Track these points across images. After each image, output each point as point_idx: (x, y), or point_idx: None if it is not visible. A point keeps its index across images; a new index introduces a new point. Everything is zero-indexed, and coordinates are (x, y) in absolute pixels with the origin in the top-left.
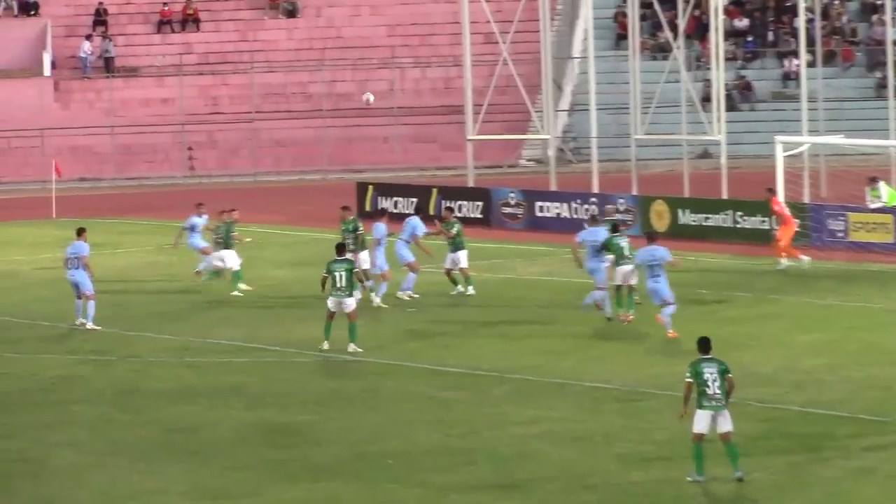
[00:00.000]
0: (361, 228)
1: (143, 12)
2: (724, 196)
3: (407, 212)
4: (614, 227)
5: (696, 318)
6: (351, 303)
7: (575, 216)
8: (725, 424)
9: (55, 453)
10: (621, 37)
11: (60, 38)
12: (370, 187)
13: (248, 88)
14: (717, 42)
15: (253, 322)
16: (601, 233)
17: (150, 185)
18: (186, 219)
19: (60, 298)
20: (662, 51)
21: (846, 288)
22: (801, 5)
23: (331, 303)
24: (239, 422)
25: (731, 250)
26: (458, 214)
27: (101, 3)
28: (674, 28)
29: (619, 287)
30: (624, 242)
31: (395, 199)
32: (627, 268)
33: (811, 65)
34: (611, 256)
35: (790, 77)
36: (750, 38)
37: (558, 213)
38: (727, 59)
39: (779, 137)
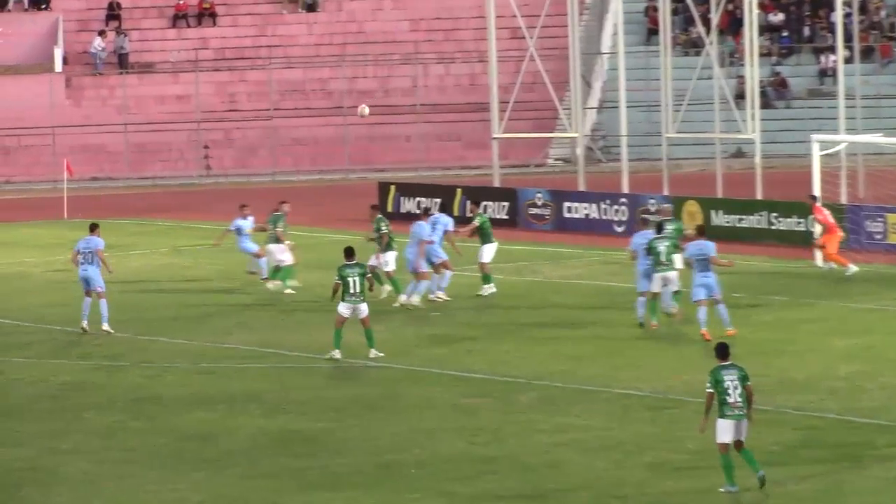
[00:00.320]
0: (384, 228)
1: (157, 6)
2: (759, 196)
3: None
4: (659, 228)
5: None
6: (365, 308)
7: (604, 217)
8: (743, 433)
9: (66, 462)
10: (652, 32)
11: (72, 32)
12: (392, 187)
13: (267, 85)
14: (751, 37)
15: (271, 326)
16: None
17: (165, 185)
18: (231, 221)
19: (72, 302)
20: (695, 46)
21: (885, 291)
22: None
23: (345, 309)
24: (256, 429)
25: (765, 252)
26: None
27: None
28: (706, 23)
29: (654, 294)
30: (663, 246)
31: (417, 199)
32: (667, 274)
33: (848, 61)
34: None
35: (827, 73)
36: (785, 34)
37: (587, 215)
38: (762, 55)
39: (815, 136)
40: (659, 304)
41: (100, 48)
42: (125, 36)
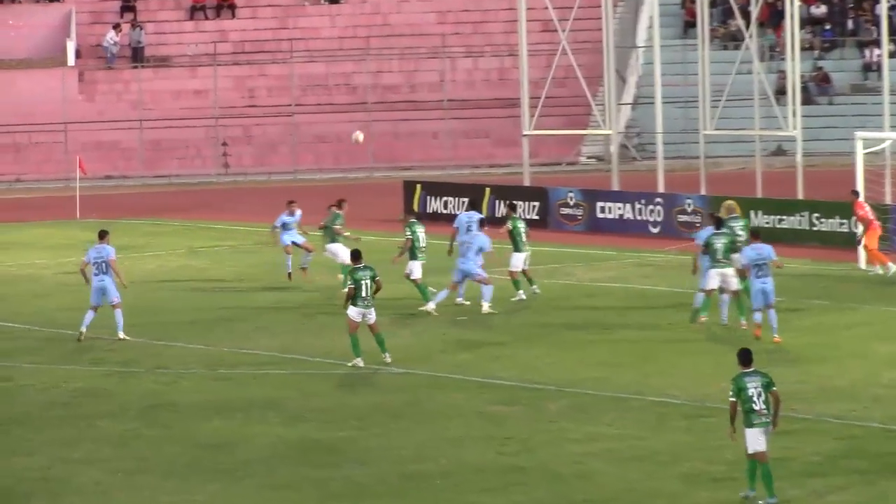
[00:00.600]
0: (408, 234)
1: None
2: (800, 196)
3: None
4: (718, 224)
5: (770, 327)
6: (374, 313)
7: (639, 218)
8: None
9: (78, 471)
10: (689, 24)
11: (85, 25)
12: (418, 186)
13: (288, 79)
14: (792, 30)
15: (292, 331)
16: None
17: (181, 184)
18: (276, 217)
19: (84, 305)
20: (734, 40)
21: None
22: None
23: (356, 313)
24: (276, 438)
25: (807, 254)
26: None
27: None
28: (746, 15)
29: (710, 291)
30: (720, 243)
31: (444, 199)
32: (725, 271)
33: (893, 55)
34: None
35: (871, 68)
36: (828, 27)
37: (621, 215)
38: (803, 49)
39: (859, 133)
40: (717, 302)
41: (112, 42)
42: (141, 29)
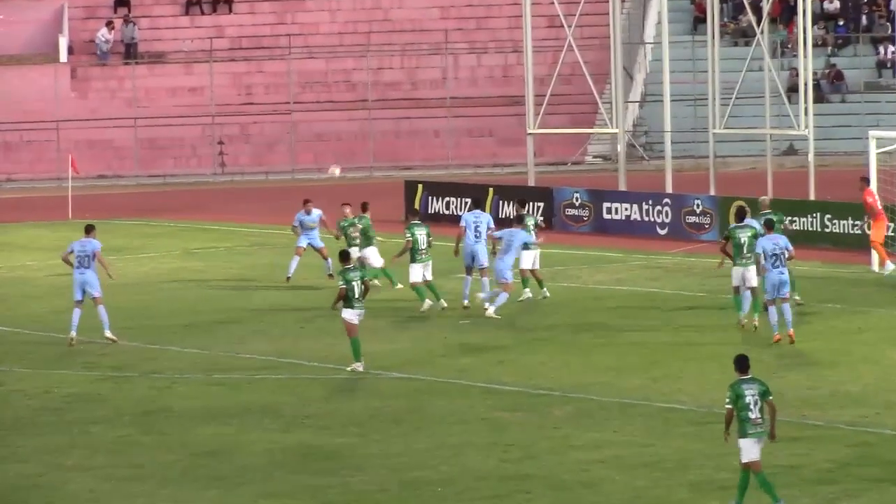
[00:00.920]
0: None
1: None
2: (812, 197)
3: (460, 213)
4: (740, 217)
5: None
6: (363, 316)
7: (646, 218)
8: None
9: (71, 479)
10: (699, 20)
11: (78, 20)
12: (420, 186)
13: (286, 76)
14: (804, 26)
15: (290, 335)
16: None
17: (177, 183)
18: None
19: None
20: (744, 36)
21: None
22: None
23: (353, 315)
24: (273, 445)
25: (818, 257)
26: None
27: None
28: (757, 11)
29: (736, 289)
30: (745, 237)
31: (447, 199)
32: (747, 269)
33: None
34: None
35: (885, 65)
36: (841, 23)
37: (628, 216)
38: (816, 46)
39: (872, 132)
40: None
41: (104, 40)
42: (134, 25)
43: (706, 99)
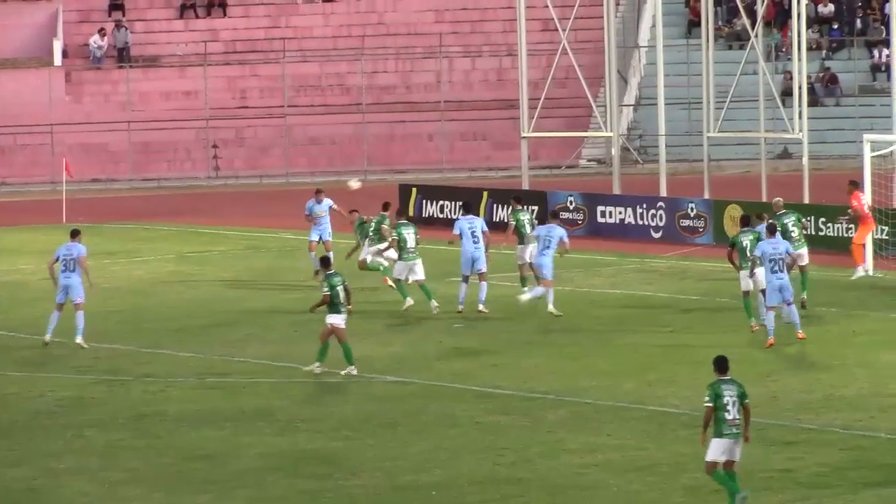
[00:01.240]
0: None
1: None
2: (806, 200)
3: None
4: (745, 222)
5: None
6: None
7: (640, 222)
8: (737, 453)
9: (64, 483)
10: (693, 24)
11: (73, 23)
12: (414, 190)
13: (280, 80)
14: (799, 30)
15: (284, 339)
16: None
17: (171, 187)
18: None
19: (68, 311)
20: (739, 39)
21: None
22: None
23: (341, 320)
24: (267, 449)
25: (812, 260)
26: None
27: None
28: (752, 14)
29: (745, 293)
30: (747, 241)
31: (441, 202)
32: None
33: None
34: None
35: (880, 69)
36: (836, 26)
37: (622, 219)
38: (810, 49)
39: (867, 136)
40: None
41: (96, 46)
42: (127, 30)
43: (700, 102)
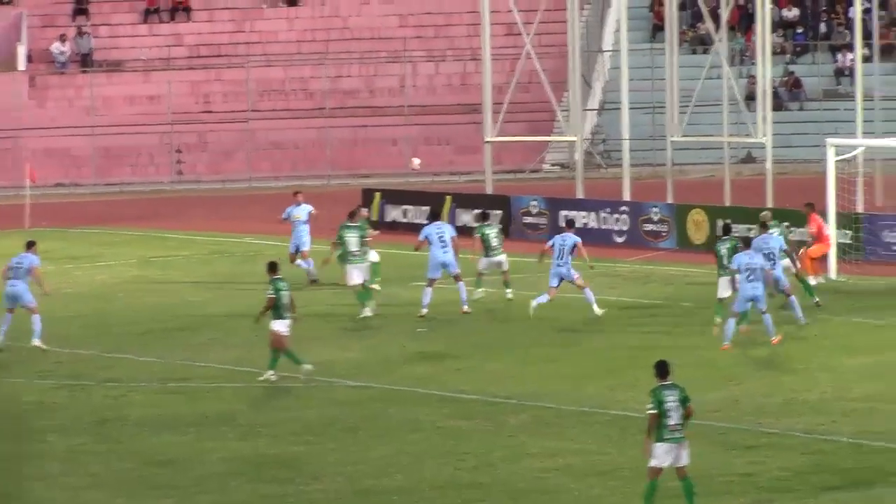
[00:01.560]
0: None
1: (128, 0)
2: (770, 205)
3: (419, 222)
4: (726, 231)
5: (737, 339)
6: (288, 326)
7: (603, 227)
8: (684, 458)
9: (25, 488)
10: (657, 28)
11: (37, 28)
12: (377, 194)
13: (244, 84)
14: (763, 34)
15: (246, 343)
16: (773, 240)
17: (134, 192)
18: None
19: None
20: (703, 44)
21: None
22: None
23: (285, 326)
24: (229, 453)
25: None
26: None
27: None
28: (716, 18)
29: (720, 300)
30: (724, 249)
31: (404, 207)
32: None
33: (867, 60)
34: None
35: (844, 73)
36: (800, 30)
37: (585, 224)
38: (774, 53)
39: (830, 140)
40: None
41: (58, 52)
42: (89, 35)
43: (664, 107)
